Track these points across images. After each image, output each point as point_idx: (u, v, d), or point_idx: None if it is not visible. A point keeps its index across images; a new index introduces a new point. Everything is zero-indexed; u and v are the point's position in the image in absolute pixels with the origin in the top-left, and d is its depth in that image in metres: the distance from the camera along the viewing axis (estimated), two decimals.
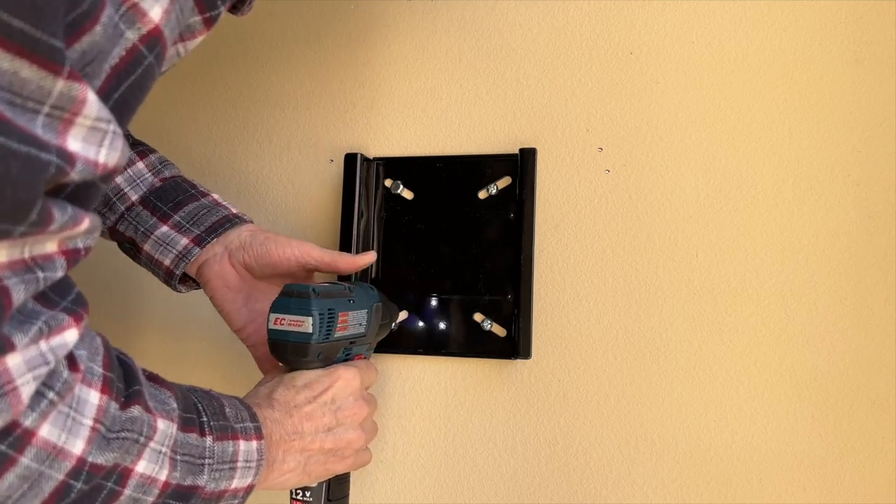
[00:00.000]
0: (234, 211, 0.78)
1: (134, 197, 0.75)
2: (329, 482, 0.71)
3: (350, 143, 0.91)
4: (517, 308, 0.81)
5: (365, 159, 0.87)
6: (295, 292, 0.67)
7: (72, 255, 0.44)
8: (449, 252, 0.85)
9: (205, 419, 0.58)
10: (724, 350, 0.78)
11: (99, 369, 0.48)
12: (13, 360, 0.40)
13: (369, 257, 0.80)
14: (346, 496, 0.75)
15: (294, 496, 0.71)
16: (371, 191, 0.88)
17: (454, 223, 0.85)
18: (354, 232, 0.86)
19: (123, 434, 0.50)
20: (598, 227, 0.82)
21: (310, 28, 0.94)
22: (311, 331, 0.66)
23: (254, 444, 0.60)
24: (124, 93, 0.44)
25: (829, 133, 0.77)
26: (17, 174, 0.36)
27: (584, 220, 0.83)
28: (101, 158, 0.41)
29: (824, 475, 0.75)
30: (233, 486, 0.59)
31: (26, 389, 0.42)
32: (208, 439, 0.57)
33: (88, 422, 0.47)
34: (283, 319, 0.67)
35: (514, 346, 0.81)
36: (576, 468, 0.81)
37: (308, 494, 0.71)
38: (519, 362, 0.83)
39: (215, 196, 0.78)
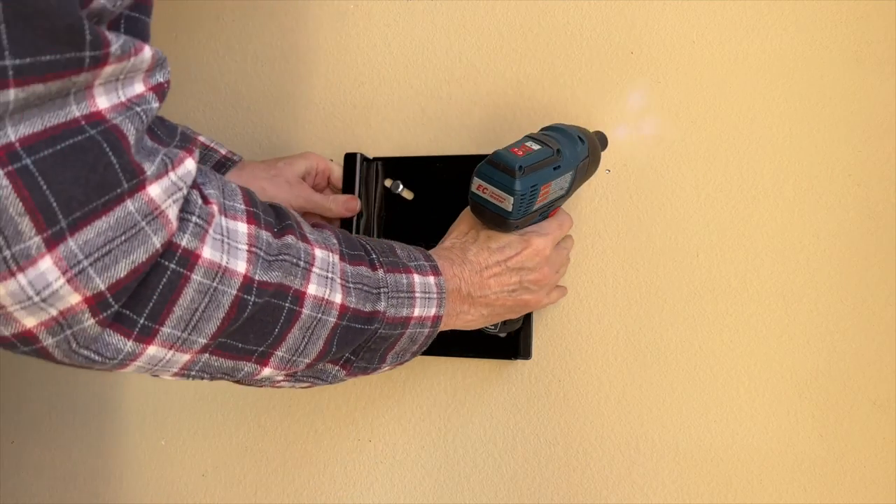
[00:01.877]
0: (224, 152, 0.82)
1: None
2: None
3: (350, 143, 0.91)
4: None
5: (365, 159, 0.87)
6: (502, 165, 0.66)
7: (157, 89, 0.50)
8: None
9: (374, 256, 0.63)
10: (724, 350, 0.78)
11: (241, 206, 0.54)
12: (154, 190, 0.47)
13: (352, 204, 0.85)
14: (519, 325, 0.79)
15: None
16: (371, 191, 0.88)
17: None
18: (354, 232, 0.86)
19: (282, 257, 0.55)
20: (598, 227, 0.82)
21: (310, 28, 0.94)
22: (510, 209, 0.66)
23: (431, 278, 0.65)
24: None
25: (829, 133, 0.77)
26: (56, 3, 0.41)
27: (584, 220, 0.83)
28: None
29: (824, 475, 0.75)
30: (415, 313, 0.63)
31: (171, 212, 0.48)
32: (380, 272, 0.62)
33: (244, 246, 0.53)
34: (486, 189, 0.67)
35: (514, 346, 0.81)
36: (576, 468, 0.81)
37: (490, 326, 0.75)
38: (519, 362, 0.83)
39: (202, 138, 0.81)
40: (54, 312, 0.45)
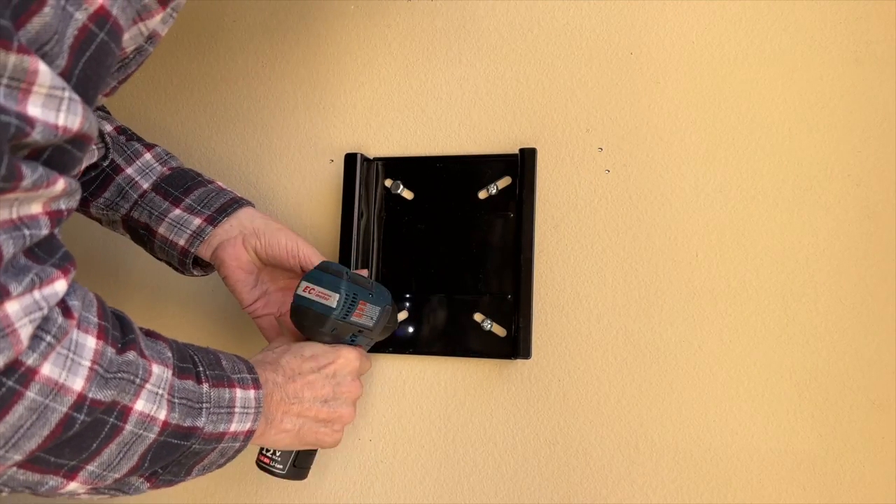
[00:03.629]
0: (238, 195, 0.83)
1: (146, 185, 0.80)
2: (300, 451, 0.76)
3: (350, 143, 0.91)
4: (517, 308, 0.81)
5: (365, 159, 0.87)
6: (331, 269, 0.74)
7: (55, 216, 0.49)
8: (449, 252, 0.85)
9: (201, 369, 0.62)
10: (724, 350, 0.78)
11: (94, 318, 0.53)
12: (11, 306, 0.45)
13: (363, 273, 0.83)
14: (308, 467, 0.79)
15: (263, 452, 0.76)
16: (371, 191, 0.88)
17: (454, 223, 0.85)
18: (354, 232, 0.86)
19: (120, 375, 0.54)
20: (598, 227, 0.82)
21: (310, 28, 0.94)
22: (334, 306, 0.72)
23: (251, 392, 0.65)
24: (84, 68, 0.48)
25: (829, 133, 0.77)
26: None
27: (584, 220, 0.83)
28: (61, 122, 0.45)
29: (824, 475, 0.75)
30: (231, 428, 0.63)
31: (24, 331, 0.47)
32: (205, 386, 0.62)
33: (87, 363, 0.52)
34: (313, 290, 0.73)
35: (514, 346, 0.81)
36: (576, 468, 0.81)
37: (277, 455, 0.76)
38: (519, 362, 0.83)
39: (219, 183, 0.83)
40: None
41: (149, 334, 0.61)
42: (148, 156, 0.81)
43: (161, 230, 0.79)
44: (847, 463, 0.74)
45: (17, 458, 0.50)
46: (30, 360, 0.48)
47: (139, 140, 0.83)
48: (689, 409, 0.78)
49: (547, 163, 0.84)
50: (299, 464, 0.77)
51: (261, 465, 0.76)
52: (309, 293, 0.73)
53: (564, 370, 0.82)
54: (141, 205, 0.80)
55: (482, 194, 0.85)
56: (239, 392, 0.64)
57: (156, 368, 0.58)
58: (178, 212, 0.79)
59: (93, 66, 0.48)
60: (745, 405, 0.77)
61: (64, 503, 0.84)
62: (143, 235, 0.81)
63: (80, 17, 0.46)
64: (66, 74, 0.46)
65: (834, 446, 0.75)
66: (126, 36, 0.53)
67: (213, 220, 0.79)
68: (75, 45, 0.46)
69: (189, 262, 0.80)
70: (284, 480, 0.77)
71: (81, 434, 0.53)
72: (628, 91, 0.82)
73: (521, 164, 0.83)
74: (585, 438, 0.81)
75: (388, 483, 0.86)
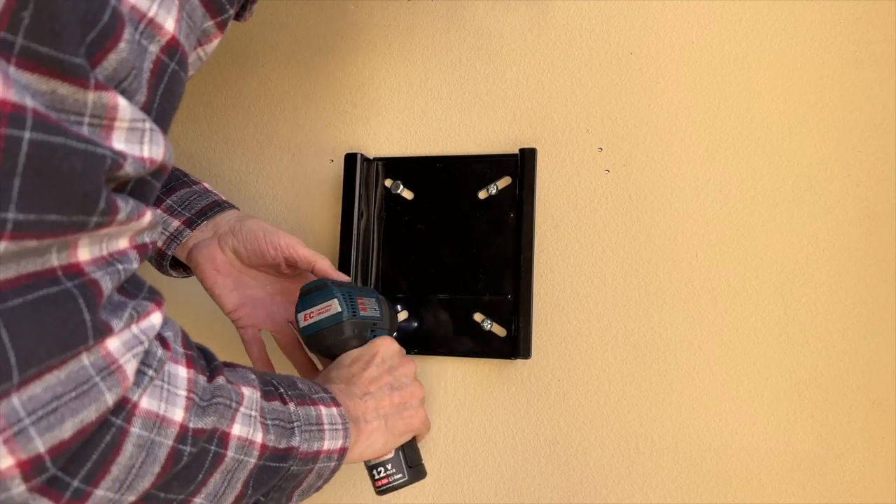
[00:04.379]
0: (222, 198, 0.81)
1: None
2: (403, 450, 0.74)
3: (350, 143, 0.91)
4: (517, 308, 0.81)
5: (365, 159, 0.87)
6: (313, 287, 0.73)
7: (141, 250, 0.49)
8: (449, 252, 0.85)
9: (282, 390, 0.62)
10: (724, 350, 0.78)
11: (181, 349, 0.53)
12: (113, 343, 0.44)
13: (344, 278, 0.81)
14: (421, 461, 0.77)
15: (376, 477, 0.74)
16: (371, 191, 0.88)
17: (454, 223, 0.85)
18: (354, 232, 0.86)
19: (216, 400, 0.54)
20: (598, 227, 0.82)
21: (310, 28, 0.94)
22: (340, 309, 0.72)
23: (334, 409, 0.65)
24: (161, 101, 0.48)
25: (829, 133, 0.77)
26: (82, 169, 0.40)
27: (584, 220, 0.83)
28: (146, 154, 0.45)
29: (824, 475, 0.75)
30: (325, 446, 0.63)
31: (129, 367, 0.46)
32: (291, 405, 0.61)
33: (182, 392, 0.51)
34: (312, 312, 0.72)
35: (514, 346, 0.81)
36: (576, 468, 0.81)
37: (389, 467, 0.74)
38: (519, 362, 0.83)
39: (205, 184, 0.82)
40: None
41: (226, 364, 0.60)
42: None
43: None
44: (847, 463, 0.74)
45: (131, 499, 0.48)
46: (134, 396, 0.47)
47: None
48: (689, 409, 0.78)
49: (547, 163, 0.84)
50: (411, 462, 0.75)
51: (383, 488, 0.74)
52: (311, 318, 0.72)
53: (564, 370, 0.82)
54: None
55: (482, 194, 0.85)
56: (323, 409, 0.64)
57: (246, 391, 0.57)
58: (157, 212, 0.79)
59: (167, 96, 0.48)
60: (745, 405, 0.77)
61: None
62: None
63: (154, 49, 0.46)
64: (146, 109, 0.46)
65: (834, 446, 0.75)
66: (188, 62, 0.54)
67: (191, 224, 0.77)
68: (152, 79, 0.46)
69: (166, 263, 0.79)
70: (410, 486, 0.75)
71: (189, 466, 0.52)
72: (628, 91, 0.82)
73: (521, 164, 0.83)
74: (585, 438, 0.81)
75: None
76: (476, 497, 0.84)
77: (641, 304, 0.80)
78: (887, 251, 0.75)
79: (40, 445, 0.41)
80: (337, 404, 0.65)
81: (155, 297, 0.50)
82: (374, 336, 0.76)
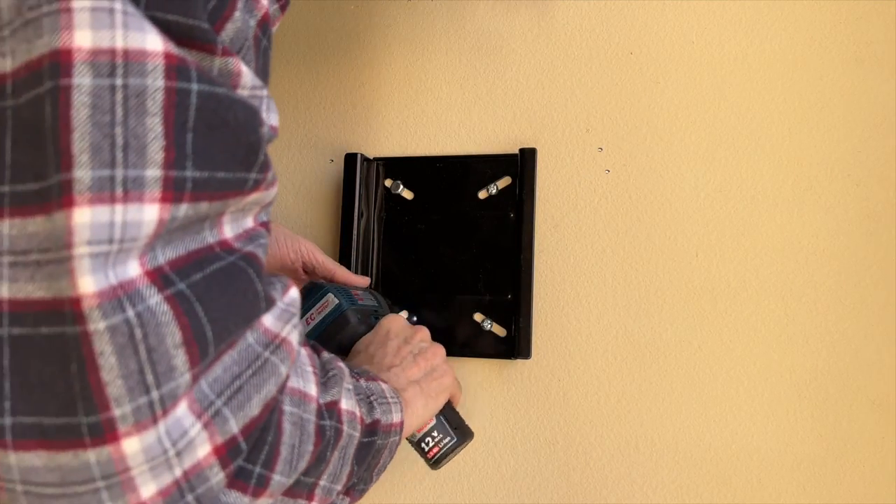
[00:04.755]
0: None
1: None
2: (444, 414, 0.73)
3: (350, 143, 0.91)
4: (517, 308, 0.81)
5: (365, 159, 0.87)
6: (303, 290, 0.73)
7: (265, 226, 0.47)
8: (449, 252, 0.85)
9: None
10: (724, 350, 0.78)
11: None
12: (268, 319, 0.44)
13: (363, 280, 0.82)
14: (464, 421, 0.76)
15: (427, 447, 0.73)
16: (371, 191, 0.88)
17: (454, 223, 0.85)
18: (354, 232, 0.86)
19: (330, 374, 0.54)
20: (598, 226, 0.82)
21: (310, 28, 0.94)
22: (338, 301, 0.72)
23: (383, 385, 0.63)
24: (261, 76, 0.47)
25: (829, 133, 0.77)
26: (244, 118, 0.40)
27: (584, 219, 0.83)
28: (271, 121, 0.45)
29: (824, 475, 0.75)
30: (394, 419, 0.61)
31: (293, 338, 0.45)
32: (361, 381, 0.60)
33: (309, 368, 0.50)
34: (312, 314, 0.73)
35: (514, 346, 0.81)
36: (576, 468, 0.81)
37: (436, 434, 0.73)
38: (519, 362, 0.83)
39: None
40: (179, 473, 0.38)
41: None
42: None
43: None
44: (847, 463, 0.74)
45: (288, 482, 0.46)
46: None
47: None
48: (689, 409, 0.78)
49: (547, 163, 0.84)
50: (455, 424, 0.74)
51: (437, 457, 0.73)
52: (313, 320, 0.73)
53: (564, 370, 0.82)
54: None
55: (482, 194, 0.85)
56: (382, 384, 0.63)
57: (340, 363, 0.57)
58: None
59: (265, 71, 0.47)
60: (745, 405, 0.77)
61: None
62: None
63: (253, 23, 0.45)
64: None
65: (834, 446, 0.75)
66: None
67: None
68: (256, 51, 0.46)
69: None
70: (462, 448, 0.74)
71: (326, 443, 0.50)
72: (628, 91, 0.82)
73: (521, 164, 0.83)
74: (585, 438, 0.81)
75: (388, 483, 0.86)
76: (476, 497, 0.84)
77: (641, 304, 0.80)
78: (887, 251, 0.75)
79: (234, 426, 0.40)
80: (384, 380, 0.64)
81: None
82: (377, 321, 0.76)
